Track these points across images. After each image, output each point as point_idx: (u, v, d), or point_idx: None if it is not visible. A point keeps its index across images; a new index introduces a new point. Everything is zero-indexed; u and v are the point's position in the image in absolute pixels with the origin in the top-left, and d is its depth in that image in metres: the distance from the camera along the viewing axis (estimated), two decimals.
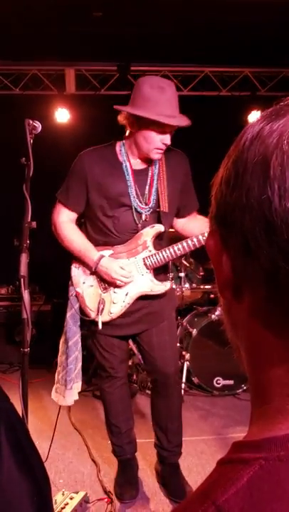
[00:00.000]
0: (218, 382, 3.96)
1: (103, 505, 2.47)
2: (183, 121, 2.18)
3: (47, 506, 0.60)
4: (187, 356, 3.97)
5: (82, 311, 2.46)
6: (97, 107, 5.27)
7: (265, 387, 0.46)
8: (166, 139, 2.22)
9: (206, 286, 4.48)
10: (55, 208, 2.46)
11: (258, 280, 0.42)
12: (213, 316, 3.98)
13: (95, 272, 2.37)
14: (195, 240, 2.28)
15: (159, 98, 2.13)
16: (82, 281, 2.45)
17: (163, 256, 2.33)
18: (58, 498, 2.35)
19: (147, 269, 2.36)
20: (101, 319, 2.37)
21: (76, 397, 2.52)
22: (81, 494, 2.40)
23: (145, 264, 2.36)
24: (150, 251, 2.35)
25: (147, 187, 2.36)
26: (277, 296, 0.41)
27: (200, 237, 2.27)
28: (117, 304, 2.38)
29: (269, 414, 0.45)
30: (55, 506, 2.28)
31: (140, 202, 2.33)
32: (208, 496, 0.40)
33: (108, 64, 5.18)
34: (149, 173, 2.37)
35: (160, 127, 2.17)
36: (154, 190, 2.36)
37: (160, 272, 2.47)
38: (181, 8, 4.05)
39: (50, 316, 5.08)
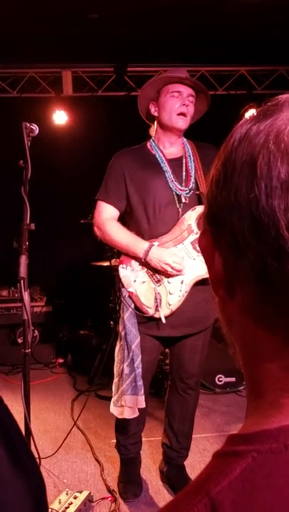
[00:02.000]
0: (220, 379, 3.98)
1: (107, 503, 2.48)
2: (195, 80, 2.35)
3: (41, 508, 0.61)
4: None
5: (140, 310, 2.35)
6: (94, 109, 5.29)
7: (258, 382, 0.47)
8: (184, 101, 2.30)
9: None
10: (96, 209, 2.45)
11: (248, 278, 0.43)
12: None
13: (144, 262, 2.30)
14: None
15: (170, 71, 2.39)
16: (132, 280, 2.36)
17: None
18: (62, 498, 2.36)
19: (198, 252, 2.30)
20: (162, 314, 2.28)
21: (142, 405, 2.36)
22: (85, 493, 2.42)
23: (194, 248, 2.31)
24: (197, 233, 2.30)
25: (184, 172, 2.38)
26: (267, 293, 0.42)
27: None
28: (174, 294, 2.30)
29: (262, 408, 0.46)
30: (59, 506, 2.29)
31: (179, 184, 2.34)
32: (202, 488, 0.41)
33: (105, 65, 5.19)
34: (184, 161, 2.41)
35: (176, 90, 2.31)
36: (191, 172, 2.38)
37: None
38: (176, 9, 4.06)
39: (52, 318, 5.09)
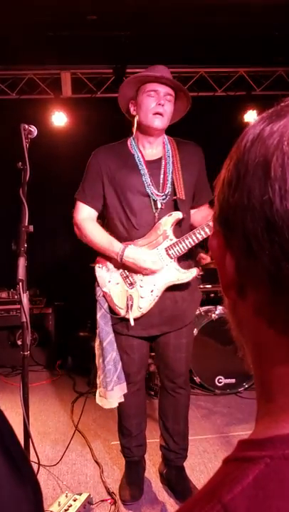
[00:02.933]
0: (220, 381, 3.97)
1: (106, 506, 2.48)
2: (167, 74, 2.29)
3: None
4: (191, 357, 3.97)
5: (112, 310, 2.42)
6: (93, 110, 5.29)
7: (269, 386, 0.46)
8: (160, 100, 2.27)
9: (206, 286, 4.50)
10: (74, 208, 2.46)
11: (261, 280, 0.43)
12: (213, 316, 3.99)
13: (121, 263, 2.33)
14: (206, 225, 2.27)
15: (148, 70, 2.34)
16: (107, 280, 2.42)
17: (185, 243, 2.30)
18: (61, 500, 2.36)
19: (171, 258, 2.33)
20: (132, 316, 2.33)
21: (121, 399, 2.44)
22: (84, 495, 2.41)
23: (168, 254, 2.33)
24: (171, 240, 2.32)
25: (161, 176, 2.36)
26: (280, 296, 0.42)
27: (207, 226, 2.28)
28: (145, 298, 2.34)
29: (273, 413, 0.45)
30: (58, 508, 2.29)
31: (155, 189, 2.33)
32: (215, 495, 0.40)
33: (104, 67, 5.20)
34: (162, 163, 2.39)
35: (152, 89, 2.27)
36: (168, 177, 2.36)
37: (184, 260, 2.42)
38: (175, 10, 4.06)
39: (52, 319, 5.09)
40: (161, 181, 2.36)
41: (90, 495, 2.46)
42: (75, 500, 2.36)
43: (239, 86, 5.45)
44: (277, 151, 0.41)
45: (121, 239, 2.36)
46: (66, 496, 2.40)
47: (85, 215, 2.42)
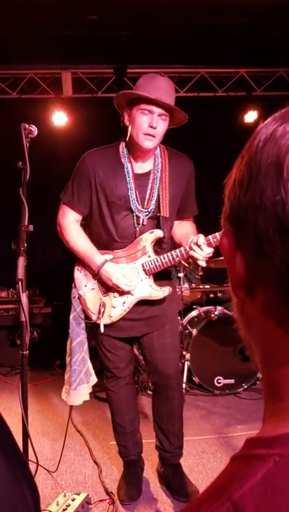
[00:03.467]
0: (219, 381, 3.97)
1: (105, 506, 2.48)
2: (164, 98, 2.15)
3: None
4: (188, 356, 3.98)
5: (84, 313, 2.48)
6: (94, 110, 5.30)
7: (277, 385, 0.46)
8: (153, 121, 2.19)
9: (206, 286, 4.50)
10: (60, 208, 2.46)
11: (271, 280, 0.43)
12: (213, 316, 4.00)
13: (97, 275, 2.38)
14: (195, 247, 2.23)
15: (149, 83, 2.19)
16: (84, 284, 2.46)
17: (161, 262, 2.32)
18: (59, 500, 2.35)
19: (146, 274, 2.36)
20: (102, 322, 2.39)
21: (85, 397, 2.51)
22: (83, 495, 2.41)
23: (144, 270, 2.36)
24: (149, 256, 2.35)
25: (148, 191, 2.35)
26: None
27: (201, 244, 2.22)
28: (116, 308, 2.40)
29: (282, 412, 0.45)
30: (56, 508, 2.29)
31: (139, 205, 2.33)
32: (224, 492, 0.41)
33: (105, 67, 5.20)
34: (151, 177, 2.36)
35: (146, 109, 2.17)
36: (154, 194, 2.35)
37: (160, 277, 2.45)
38: (176, 10, 4.07)
39: (51, 319, 5.09)
40: (147, 196, 2.35)
41: (88, 495, 2.46)
42: (73, 500, 2.35)
43: (240, 86, 5.46)
44: None
45: (101, 246, 2.39)
46: (64, 496, 2.40)
47: (71, 220, 2.42)
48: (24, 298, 2.05)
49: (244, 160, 0.46)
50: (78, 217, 2.44)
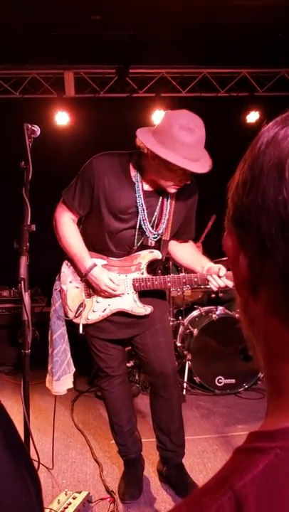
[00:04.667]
0: (220, 381, 3.98)
1: (106, 504, 2.49)
2: (203, 168, 2.08)
3: (36, 507, 0.61)
4: (189, 356, 3.99)
5: (62, 309, 2.49)
6: (96, 110, 5.31)
7: (280, 381, 0.48)
8: (186, 179, 2.18)
9: (207, 286, 4.50)
10: (59, 205, 2.45)
11: (274, 278, 0.44)
12: (214, 316, 4.00)
13: (84, 278, 2.39)
14: (195, 278, 2.33)
15: (188, 141, 2.04)
16: (69, 280, 2.47)
17: (153, 283, 2.34)
18: (60, 498, 2.37)
19: (134, 290, 2.38)
20: (80, 322, 2.42)
21: (69, 386, 2.56)
22: (84, 494, 2.42)
23: (134, 285, 2.37)
24: (142, 273, 2.37)
25: (156, 213, 2.33)
26: None
27: (196, 279, 2.33)
28: (96, 312, 2.42)
29: (284, 406, 0.46)
30: (58, 506, 2.30)
31: (151, 227, 2.32)
32: (226, 482, 0.42)
33: (107, 67, 5.21)
34: (160, 200, 2.33)
35: (181, 170, 2.09)
36: (164, 218, 2.33)
37: (146, 295, 2.43)
38: (178, 11, 4.08)
39: None
40: (154, 218, 2.34)
41: (89, 493, 2.47)
42: (74, 499, 2.37)
43: (242, 87, 5.47)
44: None
45: (95, 248, 2.40)
46: (66, 494, 2.41)
47: (67, 218, 2.42)
48: (26, 297, 2.07)
49: (247, 163, 0.48)
50: (75, 218, 2.45)
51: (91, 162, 2.29)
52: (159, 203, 2.33)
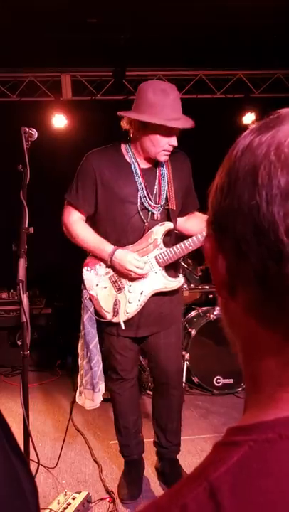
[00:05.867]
0: (218, 381, 4.00)
1: (105, 504, 2.50)
2: (187, 123, 2.24)
3: (34, 510, 0.63)
4: (187, 356, 4.01)
5: (98, 313, 2.46)
6: (93, 112, 5.32)
7: (257, 378, 0.50)
8: (173, 141, 2.27)
9: (205, 287, 4.52)
10: (65, 208, 2.48)
11: (250, 279, 0.46)
12: (212, 316, 4.02)
13: (110, 264, 2.37)
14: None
15: (164, 102, 2.19)
16: (95, 284, 2.44)
17: (175, 252, 2.34)
18: (60, 499, 2.38)
19: (160, 266, 2.38)
20: (121, 320, 2.38)
21: (101, 398, 2.53)
22: (83, 494, 2.44)
23: (158, 262, 2.37)
24: (161, 248, 2.37)
25: (156, 186, 2.39)
26: (268, 295, 0.45)
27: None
28: (132, 303, 2.39)
29: (260, 402, 0.49)
30: (57, 506, 2.32)
31: (151, 201, 2.36)
32: (202, 474, 0.44)
33: (104, 69, 5.23)
34: (157, 172, 2.40)
35: (166, 131, 2.22)
36: (164, 189, 2.39)
37: (171, 268, 2.47)
38: (174, 13, 4.10)
39: (52, 320, 5.12)
40: (155, 192, 2.38)
41: (88, 493, 2.48)
42: (74, 499, 2.38)
43: (238, 88, 5.48)
44: (265, 160, 0.45)
45: (110, 243, 2.40)
46: (65, 495, 2.43)
47: (76, 218, 2.44)
48: (25, 299, 2.08)
49: (224, 169, 0.50)
50: (83, 215, 2.46)
51: (86, 158, 2.39)
52: (157, 176, 2.40)
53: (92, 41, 4.52)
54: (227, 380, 3.99)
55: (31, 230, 2.19)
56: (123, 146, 2.42)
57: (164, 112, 2.18)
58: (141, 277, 2.36)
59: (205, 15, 4.12)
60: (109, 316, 2.42)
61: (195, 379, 4.01)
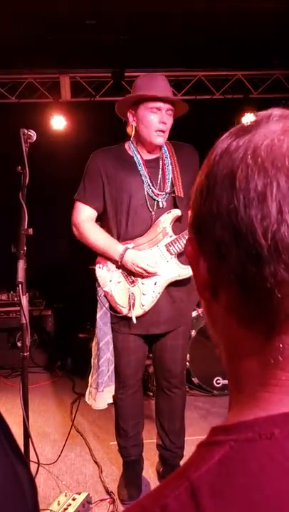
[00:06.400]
0: (218, 381, 4.01)
1: (105, 505, 2.51)
2: (169, 94, 2.34)
3: (33, 511, 0.63)
4: (187, 357, 4.01)
5: (114, 309, 2.43)
6: (92, 114, 5.32)
7: (239, 378, 0.51)
8: (163, 117, 2.31)
9: None
10: (74, 209, 2.48)
11: (230, 281, 0.47)
12: None
13: (120, 265, 2.37)
14: None
15: (149, 83, 2.33)
16: (108, 280, 2.43)
17: (185, 239, 2.34)
18: (60, 499, 2.38)
19: (171, 254, 2.38)
20: (134, 314, 2.36)
21: (110, 400, 2.48)
22: (83, 495, 2.43)
23: (168, 251, 2.37)
24: (171, 236, 2.37)
25: (160, 176, 2.41)
26: (248, 296, 0.46)
27: None
28: (147, 295, 2.38)
29: (242, 402, 0.49)
30: (58, 507, 2.32)
31: (155, 189, 2.37)
32: (184, 474, 0.45)
33: (103, 71, 5.23)
34: (160, 162, 2.43)
35: (155, 108, 2.29)
36: (167, 176, 2.40)
37: (183, 255, 2.43)
38: (173, 14, 4.10)
39: (51, 321, 5.12)
40: (159, 181, 2.40)
41: (88, 494, 2.48)
42: (74, 500, 2.38)
43: (236, 89, 5.48)
44: (242, 163, 0.45)
45: (120, 238, 2.41)
46: (65, 496, 2.43)
47: (85, 217, 2.45)
48: (24, 300, 2.09)
49: (204, 172, 0.51)
50: (93, 213, 2.46)
51: (92, 157, 2.46)
52: (160, 166, 2.43)
53: (91, 42, 4.52)
54: (227, 380, 3.98)
55: (30, 231, 2.19)
56: (126, 144, 2.49)
57: (151, 89, 2.29)
58: (153, 274, 2.35)
59: (203, 15, 4.12)
60: (124, 311, 2.39)
61: (195, 380, 4.01)
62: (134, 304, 2.37)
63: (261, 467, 0.42)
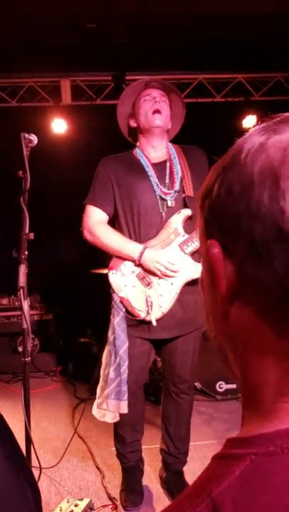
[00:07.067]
0: (221, 386, 3.98)
1: (108, 511, 2.48)
2: (161, 81, 2.44)
3: None
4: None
5: (131, 314, 2.37)
6: (93, 117, 5.32)
7: (257, 388, 0.48)
8: (156, 98, 2.38)
9: None
10: (84, 214, 2.47)
11: (270, 286, 0.44)
12: None
13: (139, 263, 2.33)
14: None
15: (136, 83, 2.45)
16: (123, 285, 2.38)
17: (198, 238, 2.30)
18: (62, 506, 2.36)
19: (185, 253, 2.34)
20: (154, 316, 2.31)
21: (123, 411, 2.38)
22: (86, 501, 2.41)
23: (182, 250, 2.34)
24: (183, 236, 2.34)
25: (168, 176, 2.40)
26: (288, 299, 0.44)
27: None
28: (164, 296, 2.33)
29: (261, 413, 0.47)
30: None
31: (164, 188, 2.36)
32: (204, 489, 0.43)
33: (103, 74, 5.23)
34: (168, 164, 2.43)
35: (146, 94, 2.39)
36: (176, 175, 2.39)
37: (196, 254, 2.41)
38: (174, 18, 4.10)
39: (52, 326, 5.10)
40: (167, 181, 2.40)
41: (91, 500, 2.46)
42: (76, 506, 2.36)
43: (237, 92, 5.48)
44: (285, 163, 0.44)
45: (132, 240, 2.38)
46: (67, 502, 2.40)
47: (96, 220, 2.43)
48: (26, 305, 2.07)
49: (232, 171, 0.48)
50: (104, 216, 2.44)
51: (101, 164, 2.49)
52: (168, 166, 2.43)
53: (92, 46, 4.53)
54: (230, 385, 3.97)
55: (32, 235, 2.18)
56: (133, 151, 2.51)
57: (135, 83, 2.43)
58: (174, 273, 2.31)
59: (204, 18, 4.12)
60: (142, 315, 2.33)
61: (198, 385, 3.98)
62: (152, 307, 2.31)
63: (284, 482, 0.40)
